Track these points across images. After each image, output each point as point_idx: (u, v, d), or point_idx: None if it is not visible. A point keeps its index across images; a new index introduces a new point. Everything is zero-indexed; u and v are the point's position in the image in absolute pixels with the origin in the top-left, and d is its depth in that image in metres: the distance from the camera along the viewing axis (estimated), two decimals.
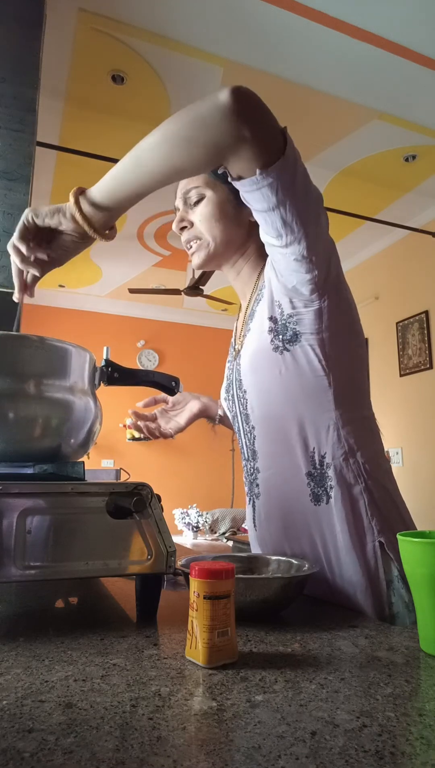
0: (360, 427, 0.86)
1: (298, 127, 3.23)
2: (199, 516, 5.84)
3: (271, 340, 0.86)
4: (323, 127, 3.19)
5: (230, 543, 3.80)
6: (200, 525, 5.81)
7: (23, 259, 0.77)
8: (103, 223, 0.74)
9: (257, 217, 0.76)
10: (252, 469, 0.94)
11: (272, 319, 0.86)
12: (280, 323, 0.85)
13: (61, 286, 6.00)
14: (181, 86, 2.96)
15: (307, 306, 0.82)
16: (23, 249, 0.76)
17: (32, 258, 0.77)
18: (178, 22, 2.52)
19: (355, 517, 0.82)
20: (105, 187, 0.72)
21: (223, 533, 5.65)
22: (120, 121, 3.23)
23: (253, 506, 0.95)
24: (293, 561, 0.78)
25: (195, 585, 0.52)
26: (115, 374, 0.84)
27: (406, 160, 3.49)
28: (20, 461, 0.74)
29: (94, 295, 6.32)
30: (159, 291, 5.23)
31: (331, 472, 0.83)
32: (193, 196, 0.94)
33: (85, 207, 0.73)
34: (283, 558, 0.80)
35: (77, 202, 0.72)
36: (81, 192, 0.73)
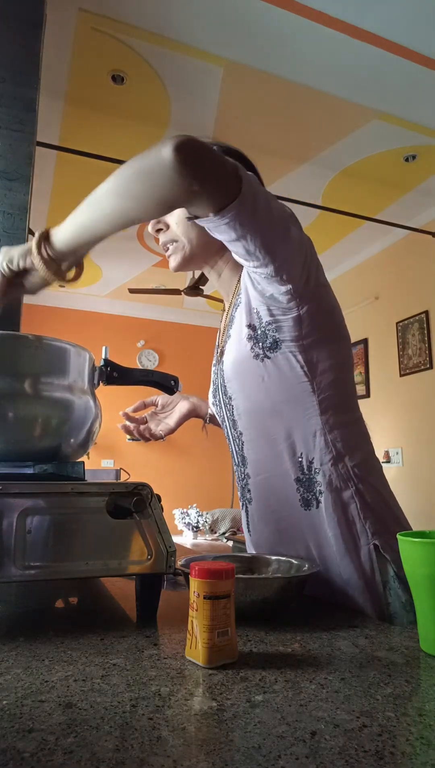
0: (348, 431, 0.85)
1: (298, 127, 3.23)
2: (199, 516, 5.84)
3: (251, 348, 0.84)
4: (323, 127, 3.19)
5: (230, 543, 3.80)
6: (200, 525, 5.81)
7: None
8: (66, 267, 0.75)
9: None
10: (243, 475, 0.93)
11: (251, 326, 0.85)
12: (259, 330, 0.84)
13: (61, 286, 6.00)
14: (181, 86, 2.96)
15: (285, 314, 0.81)
16: None
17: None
18: (178, 22, 2.52)
19: (347, 522, 0.82)
20: (65, 232, 0.72)
21: (223, 533, 5.65)
22: (120, 121, 3.23)
23: (247, 511, 0.95)
24: (293, 561, 0.78)
25: (195, 585, 0.52)
26: (114, 374, 0.84)
27: (406, 160, 3.49)
28: (20, 461, 0.74)
29: (94, 295, 6.32)
30: (159, 291, 5.23)
31: (319, 478, 0.83)
32: None
33: (45, 253, 0.73)
34: (284, 558, 0.80)
35: (39, 248, 0.73)
36: (45, 236, 0.74)
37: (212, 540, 5.67)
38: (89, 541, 0.63)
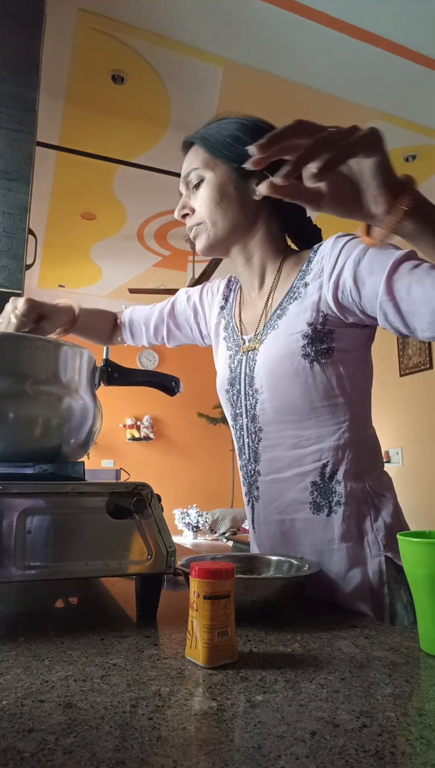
0: (367, 447, 0.87)
1: None
2: (199, 516, 5.84)
3: (304, 347, 0.82)
4: None
5: (230, 543, 3.80)
6: (200, 525, 5.81)
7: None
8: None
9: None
10: (252, 471, 0.91)
11: (312, 326, 0.82)
12: (319, 333, 0.82)
13: (61, 286, 6.00)
14: (181, 86, 2.96)
15: (351, 329, 0.82)
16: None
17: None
18: (178, 22, 2.52)
19: (359, 533, 0.82)
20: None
21: (223, 533, 5.65)
22: (120, 121, 3.23)
23: (253, 508, 0.93)
24: (293, 561, 0.78)
25: (195, 585, 0.52)
26: (115, 374, 0.84)
27: (406, 160, 3.49)
28: (20, 461, 0.74)
29: (94, 295, 6.32)
30: (159, 291, 5.23)
31: (339, 488, 0.83)
32: (193, 179, 0.89)
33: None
34: (284, 558, 0.80)
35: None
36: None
37: (212, 540, 5.67)
38: (89, 541, 0.63)
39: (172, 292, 5.37)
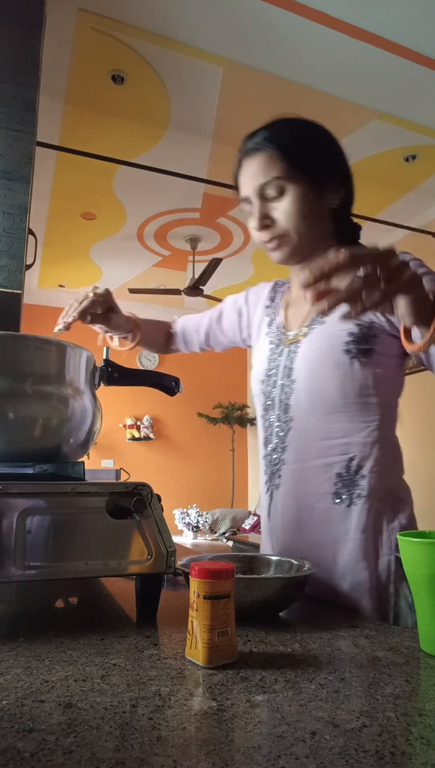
0: (392, 450, 0.89)
1: None
2: (199, 516, 5.84)
3: (347, 343, 0.85)
4: None
5: (230, 543, 3.80)
6: (200, 525, 5.81)
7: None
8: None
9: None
10: (277, 460, 0.93)
11: (359, 327, 0.85)
12: (365, 335, 0.85)
13: (61, 286, 6.00)
14: (181, 86, 2.96)
15: (395, 338, 0.85)
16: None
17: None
18: (178, 22, 2.52)
19: (374, 530, 0.84)
20: None
21: (223, 533, 5.65)
22: (120, 121, 3.23)
23: (271, 496, 0.94)
24: (293, 561, 0.78)
25: (195, 585, 0.52)
26: (115, 374, 0.84)
27: (406, 160, 3.49)
28: (20, 461, 0.74)
29: None
30: (159, 291, 5.23)
31: (363, 483, 0.85)
32: (272, 191, 0.88)
33: None
34: (283, 558, 0.80)
35: None
36: None
37: (212, 540, 5.67)
38: (89, 541, 0.63)
39: (172, 292, 5.37)
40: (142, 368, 6.14)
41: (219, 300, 5.44)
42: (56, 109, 3.11)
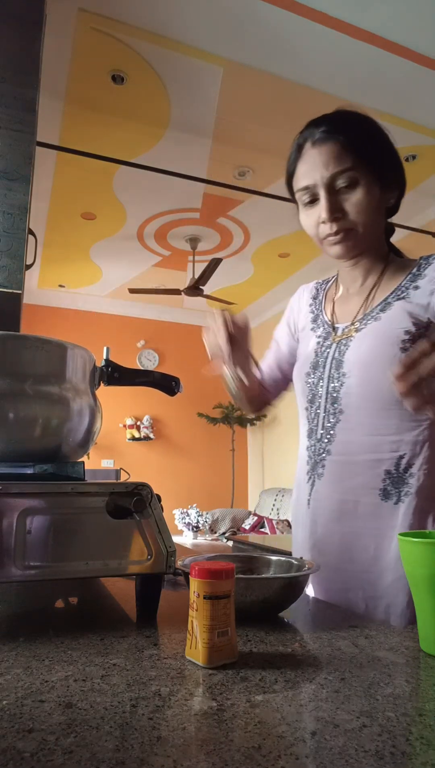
0: None
1: (298, 127, 3.22)
2: (199, 516, 5.84)
3: (404, 341, 0.85)
4: None
5: (230, 543, 3.80)
6: (200, 525, 5.81)
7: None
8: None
9: None
10: (321, 450, 0.93)
11: (416, 325, 0.86)
12: (421, 334, 0.86)
13: (61, 286, 6.01)
14: (181, 86, 2.96)
15: None
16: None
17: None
18: (178, 22, 2.52)
19: (420, 527, 0.84)
20: None
21: (223, 533, 5.65)
22: (120, 121, 3.23)
23: (312, 484, 0.94)
24: (293, 561, 0.78)
25: (195, 585, 0.52)
26: (115, 374, 0.84)
27: (406, 160, 3.49)
28: (20, 461, 0.74)
29: (94, 295, 6.32)
30: (159, 291, 5.23)
31: (412, 481, 0.85)
32: (343, 181, 0.86)
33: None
34: (283, 558, 0.80)
35: None
36: None
37: (212, 540, 5.67)
38: (89, 541, 0.63)
39: (172, 292, 5.37)
40: (142, 368, 6.15)
41: (219, 300, 5.44)
42: (56, 109, 3.11)
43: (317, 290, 1.09)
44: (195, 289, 4.95)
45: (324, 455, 0.93)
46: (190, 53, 2.72)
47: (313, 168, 0.88)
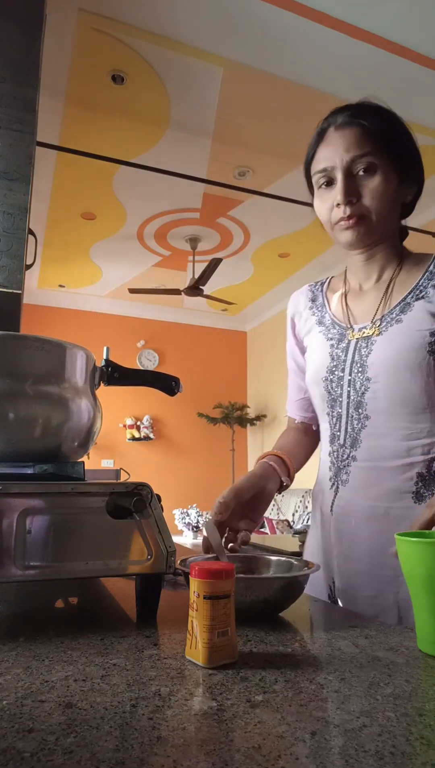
0: None
1: (298, 127, 3.23)
2: (199, 516, 5.84)
3: (431, 343, 0.83)
4: None
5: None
6: (200, 525, 5.81)
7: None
8: None
9: None
10: (344, 456, 0.91)
11: None
12: None
13: (61, 286, 6.00)
14: (181, 86, 2.96)
15: None
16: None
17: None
18: (178, 22, 2.52)
19: None
20: None
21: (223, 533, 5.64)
22: (120, 121, 3.23)
23: (336, 491, 0.91)
24: (293, 561, 0.78)
25: (195, 585, 0.52)
26: (115, 374, 0.84)
27: None
28: (20, 461, 0.74)
29: (94, 295, 6.32)
30: (159, 291, 5.23)
31: None
32: (361, 166, 0.86)
33: None
34: (283, 558, 0.80)
35: None
36: None
37: None
38: (89, 541, 0.63)
39: (172, 292, 5.37)
40: (142, 368, 6.15)
41: (219, 300, 5.43)
42: (56, 109, 3.11)
43: (314, 293, 1.06)
44: (195, 289, 4.95)
45: (348, 461, 0.90)
46: (190, 53, 2.72)
47: (334, 151, 0.88)
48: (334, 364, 0.93)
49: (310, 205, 0.97)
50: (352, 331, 0.93)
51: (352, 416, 0.90)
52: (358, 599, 0.86)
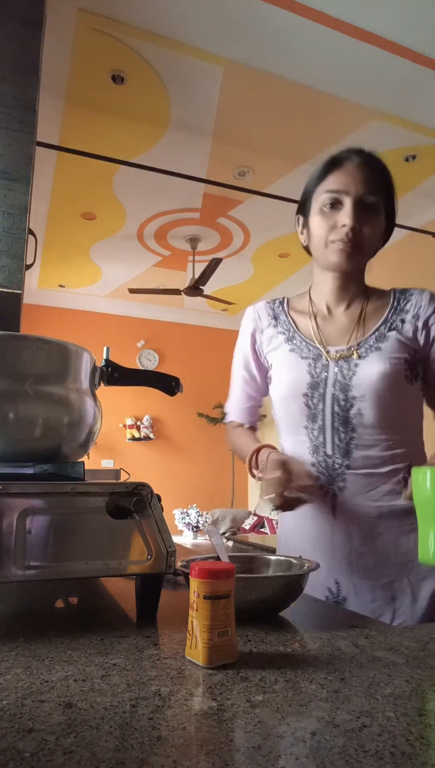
0: (422, 448, 1.04)
1: (298, 127, 3.23)
2: (199, 516, 5.84)
3: (405, 370, 0.96)
4: (323, 127, 3.19)
5: (230, 543, 3.80)
6: (200, 525, 5.81)
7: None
8: None
9: None
10: (337, 465, 0.97)
11: (410, 356, 0.97)
12: (414, 362, 0.98)
13: (61, 286, 6.00)
14: (181, 86, 2.96)
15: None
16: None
17: None
18: (178, 22, 2.52)
19: None
20: None
21: (223, 533, 5.64)
22: (120, 121, 3.23)
23: (334, 497, 0.97)
24: (293, 560, 0.78)
25: (195, 585, 0.52)
26: (115, 374, 0.84)
27: (406, 160, 3.49)
28: (20, 461, 0.74)
29: (94, 295, 6.32)
30: (159, 291, 5.23)
31: None
32: (369, 204, 0.96)
33: None
34: (283, 557, 0.80)
35: None
36: None
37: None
38: (89, 541, 0.63)
39: (172, 292, 5.36)
40: (142, 368, 6.15)
41: (219, 300, 5.43)
42: (56, 109, 3.11)
43: (274, 311, 1.11)
44: (195, 289, 4.95)
45: (341, 469, 0.97)
46: (190, 53, 2.72)
47: (350, 179, 0.96)
48: (315, 381, 1.00)
49: None
50: (328, 353, 1.01)
51: (338, 429, 0.98)
52: (375, 588, 0.94)
